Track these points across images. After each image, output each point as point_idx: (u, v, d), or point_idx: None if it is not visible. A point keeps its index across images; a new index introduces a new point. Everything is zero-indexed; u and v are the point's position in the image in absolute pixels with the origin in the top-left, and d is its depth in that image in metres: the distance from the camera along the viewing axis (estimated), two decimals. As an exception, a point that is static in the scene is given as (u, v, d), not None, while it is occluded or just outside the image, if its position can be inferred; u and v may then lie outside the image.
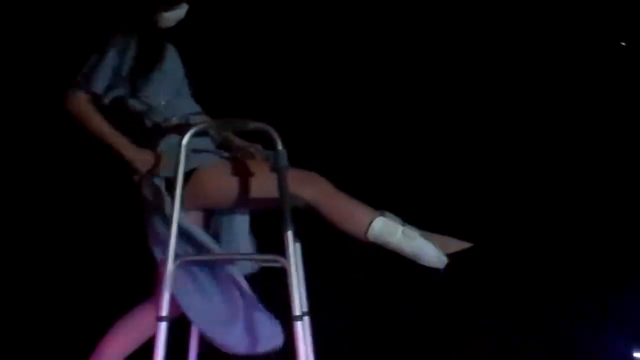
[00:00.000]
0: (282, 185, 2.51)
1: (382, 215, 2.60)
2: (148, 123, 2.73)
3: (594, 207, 3.82)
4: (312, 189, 2.62)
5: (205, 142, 2.77)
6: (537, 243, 3.79)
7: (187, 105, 2.82)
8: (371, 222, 2.58)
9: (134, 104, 2.74)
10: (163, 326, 2.49)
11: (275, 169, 2.54)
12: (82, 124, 2.71)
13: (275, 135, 2.55)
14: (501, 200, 3.83)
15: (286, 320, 2.51)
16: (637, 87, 3.83)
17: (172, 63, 2.81)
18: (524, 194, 3.86)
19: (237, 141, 2.87)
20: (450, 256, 2.55)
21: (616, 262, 3.75)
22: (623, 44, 3.83)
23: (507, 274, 3.75)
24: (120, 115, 2.74)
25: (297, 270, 2.52)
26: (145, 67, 2.71)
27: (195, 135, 2.57)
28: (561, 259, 3.79)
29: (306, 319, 2.71)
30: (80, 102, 2.71)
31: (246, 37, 3.82)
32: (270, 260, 2.60)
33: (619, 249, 3.75)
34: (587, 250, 3.77)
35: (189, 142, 2.54)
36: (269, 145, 2.58)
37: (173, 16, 2.80)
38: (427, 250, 2.55)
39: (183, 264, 2.57)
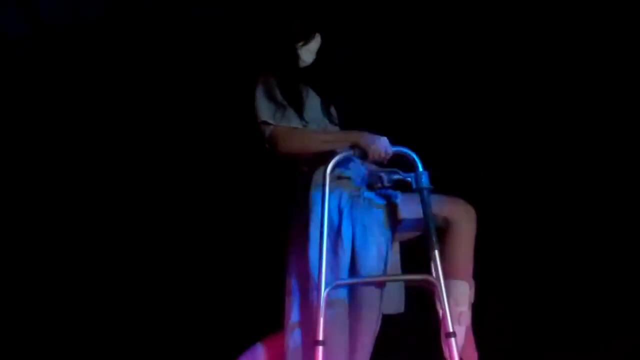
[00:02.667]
0: (425, 205, 2.58)
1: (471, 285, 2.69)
2: (304, 169, 2.78)
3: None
4: (461, 213, 2.70)
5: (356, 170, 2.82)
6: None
7: None
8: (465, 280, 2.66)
9: None
10: (320, 350, 2.53)
11: (418, 190, 2.61)
12: (305, 149, 2.73)
13: (415, 157, 2.64)
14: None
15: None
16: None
17: (312, 106, 2.84)
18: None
19: (371, 167, 2.93)
20: None
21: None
22: None
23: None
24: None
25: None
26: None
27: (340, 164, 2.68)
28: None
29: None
30: (290, 133, 2.74)
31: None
32: (419, 280, 2.67)
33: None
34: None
35: (332, 170, 2.64)
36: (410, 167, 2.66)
37: (312, 49, 2.87)
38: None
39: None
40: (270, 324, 2.86)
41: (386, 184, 2.85)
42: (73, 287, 3.88)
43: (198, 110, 3.96)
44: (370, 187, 2.84)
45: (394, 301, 2.73)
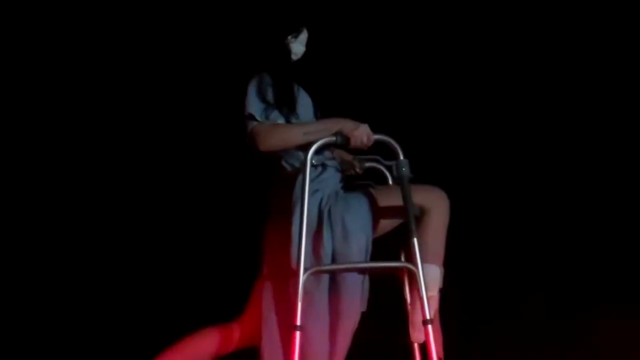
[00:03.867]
0: (405, 193, 2.60)
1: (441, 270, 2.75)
2: (287, 167, 2.78)
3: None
4: (436, 200, 2.75)
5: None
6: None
7: (325, 153, 2.81)
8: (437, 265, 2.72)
9: None
10: (297, 335, 2.53)
11: (398, 177, 2.64)
12: (286, 145, 2.71)
13: (396, 145, 2.66)
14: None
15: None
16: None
17: (304, 106, 2.85)
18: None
19: (344, 155, 2.94)
20: None
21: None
22: None
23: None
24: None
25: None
26: (281, 110, 2.76)
27: (319, 151, 2.69)
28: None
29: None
30: (270, 130, 2.70)
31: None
32: (398, 267, 2.74)
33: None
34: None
35: (312, 157, 2.64)
36: (390, 156, 2.69)
37: (302, 40, 2.87)
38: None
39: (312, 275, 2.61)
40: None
41: (359, 170, 2.88)
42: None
43: (178, 103, 3.96)
44: (342, 173, 2.86)
45: None
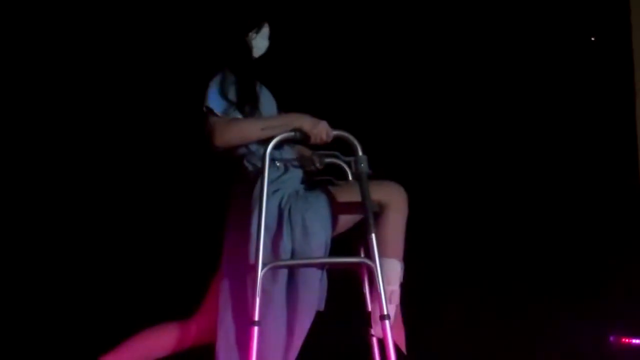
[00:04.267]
0: (363, 189, 2.60)
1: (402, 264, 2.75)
2: (248, 166, 2.75)
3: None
4: (394, 195, 2.75)
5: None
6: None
7: (286, 150, 2.81)
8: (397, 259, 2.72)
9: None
10: (255, 330, 2.53)
11: (356, 174, 2.64)
12: (243, 140, 2.69)
13: (355, 142, 2.66)
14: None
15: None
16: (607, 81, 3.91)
17: (267, 105, 2.84)
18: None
19: (303, 150, 2.93)
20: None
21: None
22: (592, 39, 3.89)
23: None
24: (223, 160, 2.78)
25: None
26: (243, 109, 2.73)
27: (279, 146, 2.69)
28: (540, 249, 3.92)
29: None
30: (226, 123, 2.68)
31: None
32: (356, 262, 2.75)
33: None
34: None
35: (271, 153, 2.63)
36: (349, 152, 2.68)
37: (264, 34, 2.86)
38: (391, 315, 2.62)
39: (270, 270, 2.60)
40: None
41: (319, 165, 2.88)
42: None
43: (141, 101, 3.96)
44: (303, 169, 2.86)
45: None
